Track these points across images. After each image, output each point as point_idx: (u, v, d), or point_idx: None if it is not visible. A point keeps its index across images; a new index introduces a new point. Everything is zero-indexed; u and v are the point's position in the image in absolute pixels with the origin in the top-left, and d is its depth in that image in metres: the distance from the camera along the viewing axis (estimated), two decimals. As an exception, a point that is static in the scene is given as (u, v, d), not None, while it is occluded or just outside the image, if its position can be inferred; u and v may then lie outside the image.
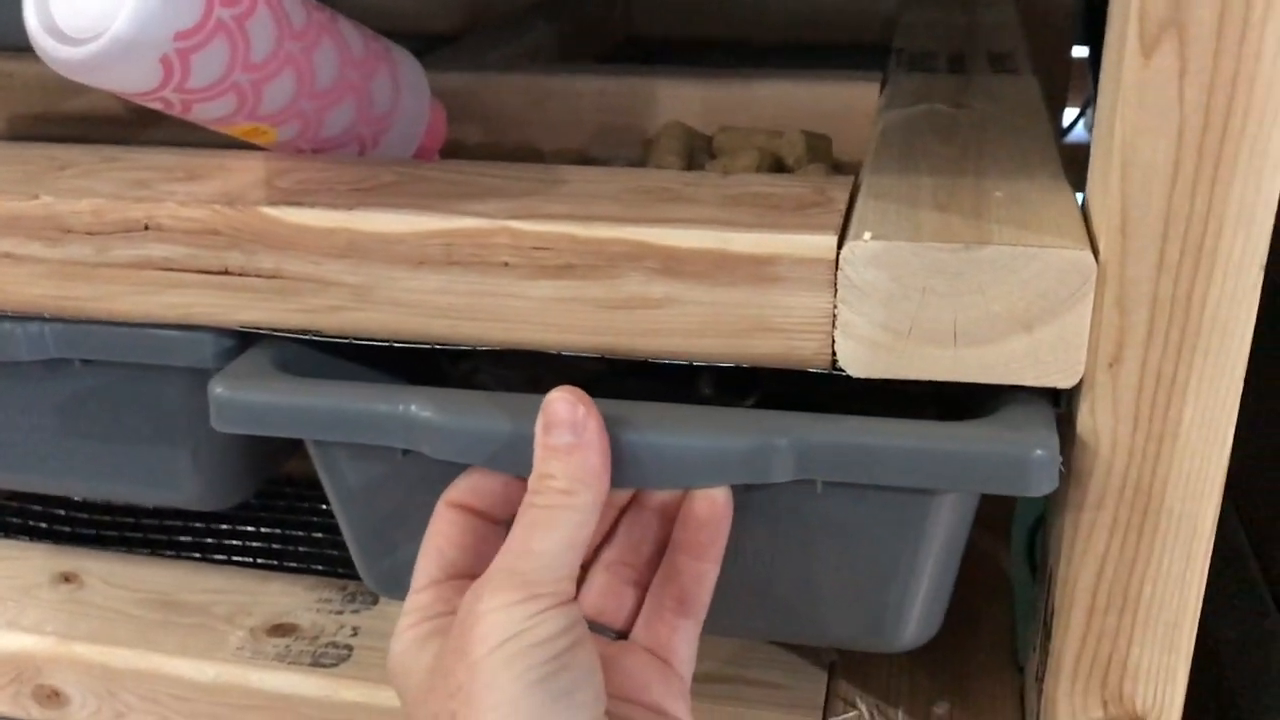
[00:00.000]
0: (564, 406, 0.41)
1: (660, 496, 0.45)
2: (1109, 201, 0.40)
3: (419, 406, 0.45)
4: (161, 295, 0.51)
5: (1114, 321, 0.42)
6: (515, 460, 0.43)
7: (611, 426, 0.42)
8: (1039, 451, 0.41)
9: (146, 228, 0.50)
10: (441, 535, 0.43)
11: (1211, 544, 0.44)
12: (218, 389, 0.48)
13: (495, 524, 0.44)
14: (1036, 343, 0.42)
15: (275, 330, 0.50)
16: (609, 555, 0.45)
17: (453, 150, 0.65)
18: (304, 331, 0.50)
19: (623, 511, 0.46)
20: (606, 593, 0.45)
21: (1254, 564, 0.68)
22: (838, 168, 0.65)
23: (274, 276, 0.49)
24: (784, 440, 0.42)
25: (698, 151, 0.62)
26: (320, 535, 0.72)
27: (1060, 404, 0.46)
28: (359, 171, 0.52)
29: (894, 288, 0.42)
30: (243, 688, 0.59)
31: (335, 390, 0.47)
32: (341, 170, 0.52)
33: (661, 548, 0.45)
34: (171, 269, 0.50)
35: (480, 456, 0.44)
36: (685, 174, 0.51)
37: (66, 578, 0.67)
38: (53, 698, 0.62)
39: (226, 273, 0.49)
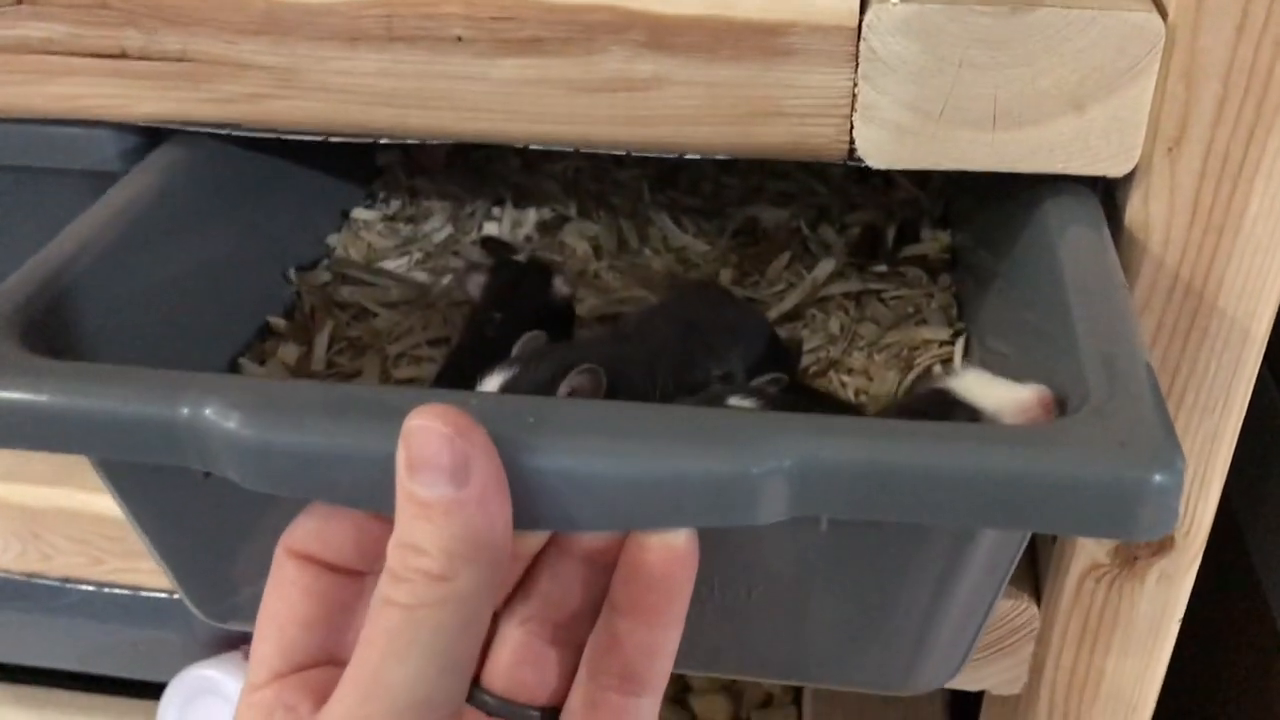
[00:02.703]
0: (436, 440, 0.27)
1: (590, 539, 0.31)
2: (1184, -48, 0.34)
3: (217, 410, 0.29)
4: (46, 84, 0.42)
5: (1179, 97, 0.36)
6: (373, 493, 0.29)
7: (512, 451, 0.28)
8: (1159, 476, 0.27)
9: (20, 2, 0.41)
10: (283, 603, 0.30)
11: (1263, 352, 0.40)
12: None
13: (359, 578, 0.31)
14: (1088, 124, 0.36)
15: (187, 124, 0.43)
16: (523, 610, 0.31)
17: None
18: (221, 125, 0.42)
19: (537, 556, 0.32)
20: (523, 659, 0.31)
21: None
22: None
23: (180, 59, 0.41)
24: (776, 465, 0.28)
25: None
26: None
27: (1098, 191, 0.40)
28: (274, -71, 0.43)
29: (925, 61, 0.36)
30: (182, 524, 0.54)
31: (94, 381, 0.31)
32: (253, -72, 0.43)
33: (595, 598, 0.31)
34: (54, 52, 0.42)
35: (316, 488, 0.30)
36: (667, -72, 0.43)
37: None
38: (-30, 542, 0.56)
39: (123, 56, 0.41)
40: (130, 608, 0.63)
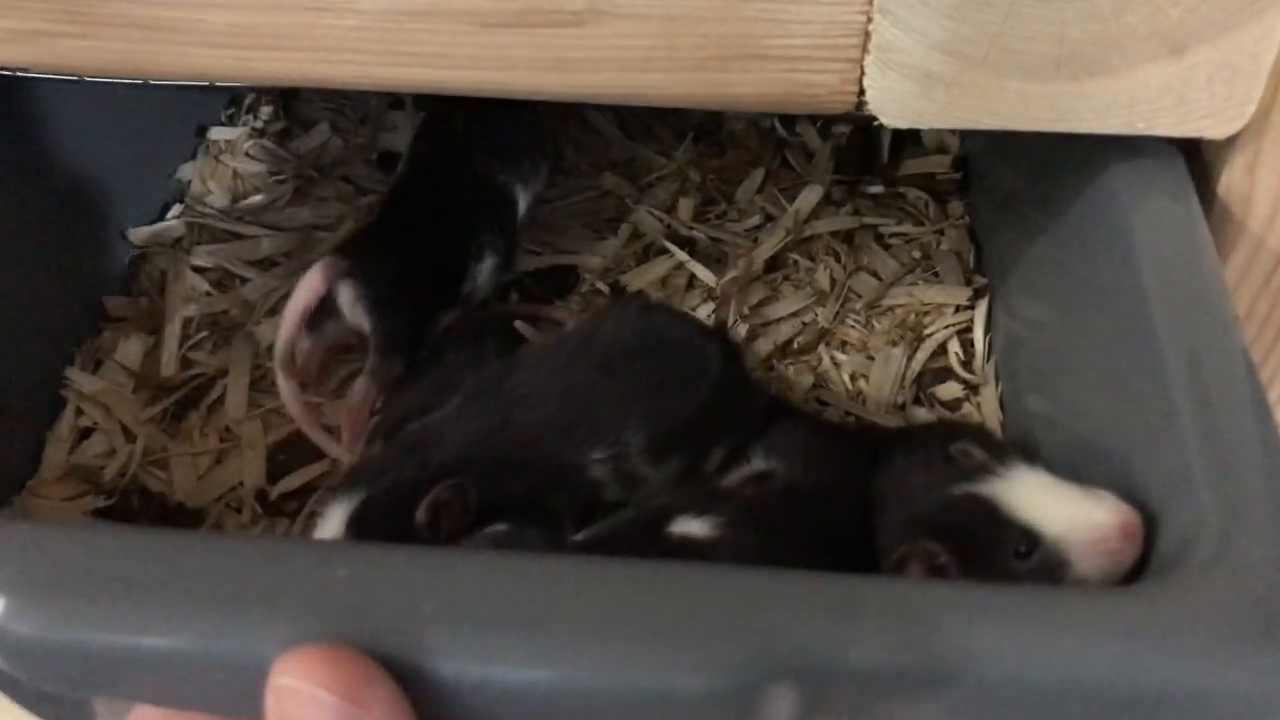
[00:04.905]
0: (317, 712, 0.19)
1: None
2: None
3: None
4: None
5: (1318, 36, 0.26)
6: (211, 700, 0.21)
7: (413, 669, 0.20)
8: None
9: None
10: None
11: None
12: None
13: None
14: (1186, 72, 0.27)
15: (-45, 67, 0.31)
16: None
17: None
18: (2, 68, 0.31)
19: None
20: None
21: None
22: None
23: (-75, -14, 0.29)
24: (780, 669, 0.20)
25: None
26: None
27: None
28: None
29: (967, -12, 0.26)
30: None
31: None
32: None
33: None
34: None
35: (128, 693, 0.22)
36: None
37: None
38: None
39: None
40: None
